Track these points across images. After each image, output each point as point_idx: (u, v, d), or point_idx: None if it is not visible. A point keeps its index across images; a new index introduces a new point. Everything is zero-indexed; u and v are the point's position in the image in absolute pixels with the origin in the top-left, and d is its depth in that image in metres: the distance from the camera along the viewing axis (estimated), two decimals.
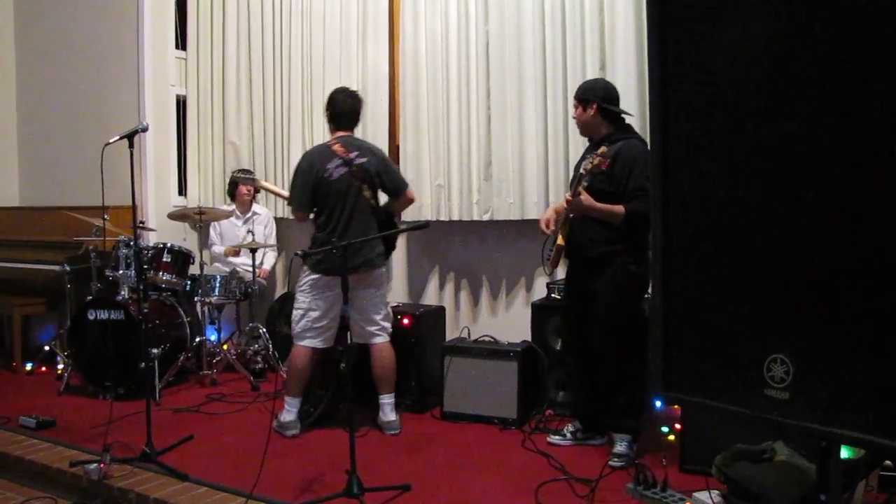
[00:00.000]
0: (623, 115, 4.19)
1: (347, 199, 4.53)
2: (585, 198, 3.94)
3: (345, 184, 4.53)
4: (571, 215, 4.07)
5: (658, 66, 1.56)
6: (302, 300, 4.63)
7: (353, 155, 4.56)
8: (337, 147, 4.60)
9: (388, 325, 4.75)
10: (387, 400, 4.66)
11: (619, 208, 3.94)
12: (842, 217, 1.32)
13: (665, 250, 1.59)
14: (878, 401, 1.28)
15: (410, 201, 4.88)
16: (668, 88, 1.56)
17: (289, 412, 4.62)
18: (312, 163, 4.61)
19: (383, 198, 4.80)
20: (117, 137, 4.18)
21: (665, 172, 1.58)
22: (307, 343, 4.59)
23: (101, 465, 3.82)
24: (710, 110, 1.51)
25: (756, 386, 1.43)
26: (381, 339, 4.71)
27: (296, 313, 4.64)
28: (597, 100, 4.10)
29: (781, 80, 1.40)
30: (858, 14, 1.29)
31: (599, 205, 3.94)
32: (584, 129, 4.25)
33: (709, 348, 1.52)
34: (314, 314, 4.57)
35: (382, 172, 4.64)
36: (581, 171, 4.00)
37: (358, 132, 5.88)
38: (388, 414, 4.65)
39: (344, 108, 4.71)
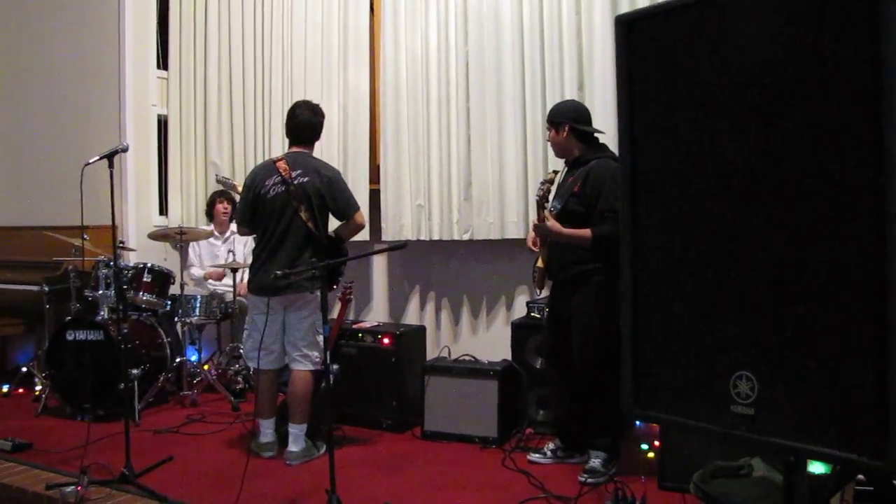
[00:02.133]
0: (596, 135, 4.24)
1: (282, 219, 4.44)
2: (552, 224, 4.01)
3: (280, 203, 4.45)
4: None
5: (626, 94, 1.60)
6: (247, 321, 4.68)
7: (294, 174, 4.44)
8: (281, 164, 4.50)
9: (312, 353, 4.53)
10: (292, 430, 4.48)
11: (586, 232, 3.98)
12: (804, 238, 1.36)
13: (633, 270, 1.62)
14: (840, 415, 1.31)
15: (359, 226, 4.65)
16: (636, 112, 1.60)
17: (263, 434, 4.61)
18: (255, 178, 4.59)
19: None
20: (97, 157, 4.18)
21: (634, 193, 1.61)
22: (259, 364, 4.57)
23: (79, 488, 3.79)
24: (677, 132, 1.55)
25: (723, 402, 1.46)
26: (299, 367, 4.53)
27: (244, 335, 4.67)
28: (568, 121, 4.15)
29: (744, 103, 1.44)
30: (820, 40, 1.34)
31: (566, 231, 4.00)
32: (558, 150, 4.30)
33: (677, 366, 1.55)
34: (256, 335, 4.53)
35: (326, 194, 4.47)
36: (536, 197, 4.09)
37: (339, 152, 5.98)
38: (290, 444, 4.47)
39: (299, 122, 4.58)
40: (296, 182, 4.43)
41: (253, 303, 4.64)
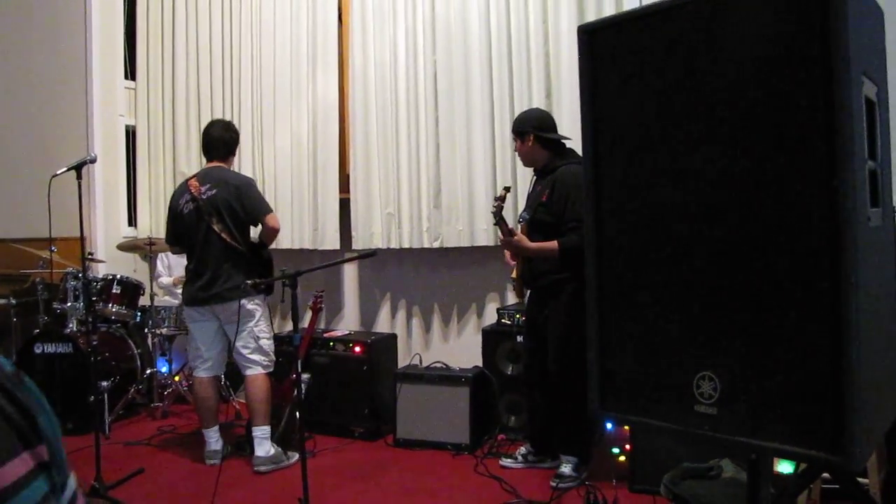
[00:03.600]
0: (563, 141, 4.28)
1: (198, 235, 4.55)
2: (518, 238, 4.07)
3: (193, 219, 4.56)
4: None
5: (589, 103, 1.63)
6: (189, 331, 4.79)
7: (203, 188, 4.55)
8: (192, 182, 4.64)
9: (258, 357, 4.59)
10: (256, 433, 4.53)
11: (553, 245, 4.02)
12: (762, 241, 1.40)
13: (598, 274, 1.66)
14: (799, 413, 1.35)
15: (273, 229, 4.61)
16: (599, 122, 1.63)
17: (207, 442, 4.66)
18: (174, 197, 4.76)
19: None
20: (65, 169, 4.16)
21: (598, 201, 1.65)
22: (195, 373, 4.73)
23: None
24: (640, 142, 1.59)
25: (687, 402, 1.49)
26: (250, 372, 4.59)
27: (188, 345, 4.78)
28: (532, 130, 4.19)
29: (704, 111, 1.48)
30: (781, 54, 1.38)
31: (533, 246, 4.06)
32: (526, 160, 4.35)
33: (642, 368, 1.59)
34: (193, 343, 4.72)
35: (235, 202, 4.53)
36: (491, 211, 4.16)
37: (309, 162, 5.98)
38: (256, 449, 4.52)
39: (211, 138, 4.72)
40: (205, 196, 4.53)
41: (188, 314, 4.75)
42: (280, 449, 4.57)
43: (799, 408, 1.34)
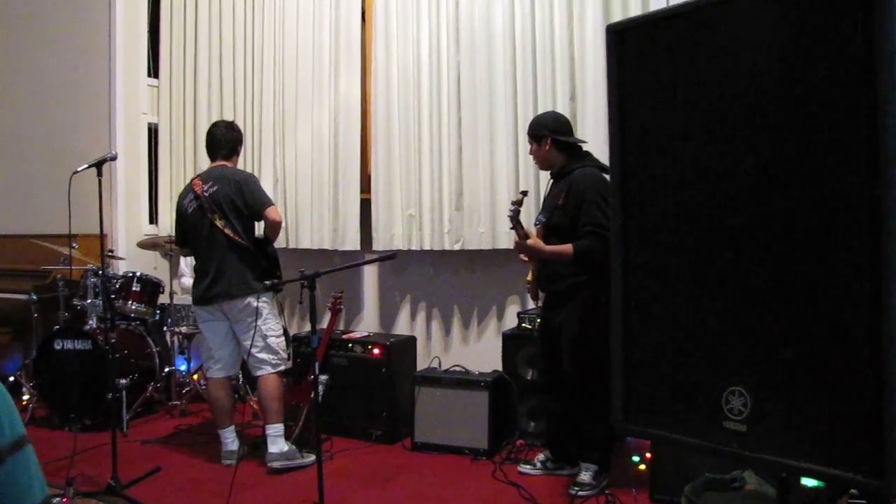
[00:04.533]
0: (580, 144, 4.23)
1: (202, 234, 4.55)
2: (533, 242, 4.02)
3: (196, 218, 4.57)
4: None
5: (617, 104, 1.58)
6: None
7: (205, 187, 4.56)
8: (195, 181, 4.66)
9: (269, 357, 4.56)
10: (269, 431, 4.50)
11: (568, 248, 3.95)
12: (801, 251, 1.34)
13: (624, 282, 1.60)
14: (836, 432, 1.29)
15: (275, 222, 4.59)
16: (627, 123, 1.58)
17: (224, 443, 4.64)
18: (180, 198, 4.77)
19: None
20: (86, 166, 4.16)
21: (625, 205, 1.59)
22: (208, 373, 4.72)
23: (64, 500, 3.74)
24: (669, 143, 1.53)
25: (715, 418, 1.44)
26: (261, 372, 4.56)
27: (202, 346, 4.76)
28: (549, 133, 4.14)
29: (739, 112, 1.42)
30: (815, 50, 1.32)
31: (547, 249, 4.01)
32: (542, 163, 4.30)
33: (668, 381, 1.53)
34: (205, 343, 4.72)
35: (236, 197, 4.52)
36: (508, 214, 4.10)
37: (330, 162, 5.96)
38: (270, 446, 4.49)
39: (213, 137, 4.72)
40: (206, 194, 4.53)
41: (197, 314, 4.77)
42: (295, 447, 4.54)
43: (835, 426, 1.28)
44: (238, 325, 4.55)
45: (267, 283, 3.85)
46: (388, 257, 4.04)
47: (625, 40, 1.55)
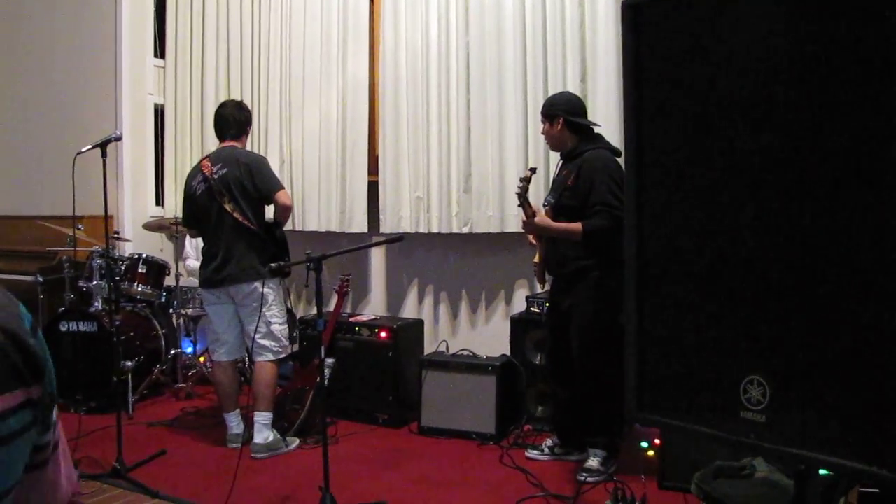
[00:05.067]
0: (592, 126, 4.18)
1: (211, 216, 4.50)
2: (540, 219, 4.00)
3: (205, 200, 4.50)
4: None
5: (633, 82, 1.52)
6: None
7: (214, 169, 4.49)
8: (204, 162, 4.59)
9: (270, 344, 4.50)
10: (258, 418, 4.44)
11: (577, 226, 3.91)
12: (822, 235, 1.29)
13: (639, 266, 1.55)
14: (859, 424, 1.24)
15: (285, 206, 4.54)
16: (643, 102, 1.52)
17: (229, 426, 4.61)
18: (188, 178, 4.70)
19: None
20: (89, 146, 4.13)
21: (640, 186, 1.54)
22: (214, 357, 4.69)
23: None
24: (686, 123, 1.47)
25: (732, 408, 1.38)
26: (260, 358, 4.50)
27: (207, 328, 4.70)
28: (562, 114, 4.09)
29: (760, 93, 1.36)
30: (838, 28, 1.26)
31: (555, 225, 3.98)
32: (553, 143, 4.26)
33: (684, 369, 1.48)
34: (211, 326, 4.68)
35: (246, 179, 4.45)
36: (515, 191, 4.07)
37: (338, 142, 5.91)
38: (255, 435, 4.44)
39: (221, 116, 4.66)
40: (216, 176, 4.46)
41: (203, 296, 4.74)
42: (279, 436, 4.51)
43: (859, 418, 1.22)
44: (243, 310, 4.51)
45: (273, 265, 3.78)
46: (394, 240, 3.99)
47: (640, 15, 1.49)
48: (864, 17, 1.23)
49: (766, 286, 1.34)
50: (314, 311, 4.22)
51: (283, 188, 4.59)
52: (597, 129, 4.19)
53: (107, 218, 4.24)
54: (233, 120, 4.63)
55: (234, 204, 4.44)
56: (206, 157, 4.65)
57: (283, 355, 4.61)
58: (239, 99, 6.29)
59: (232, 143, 4.62)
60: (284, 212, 4.59)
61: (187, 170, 6.69)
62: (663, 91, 1.51)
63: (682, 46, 1.47)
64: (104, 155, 4.10)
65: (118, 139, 4.24)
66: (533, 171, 4.22)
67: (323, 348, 3.70)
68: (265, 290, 4.44)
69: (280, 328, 4.57)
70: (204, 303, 4.76)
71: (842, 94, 1.26)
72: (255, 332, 4.42)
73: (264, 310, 4.44)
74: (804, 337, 1.29)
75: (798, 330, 1.30)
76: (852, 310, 1.24)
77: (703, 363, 1.44)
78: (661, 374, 1.52)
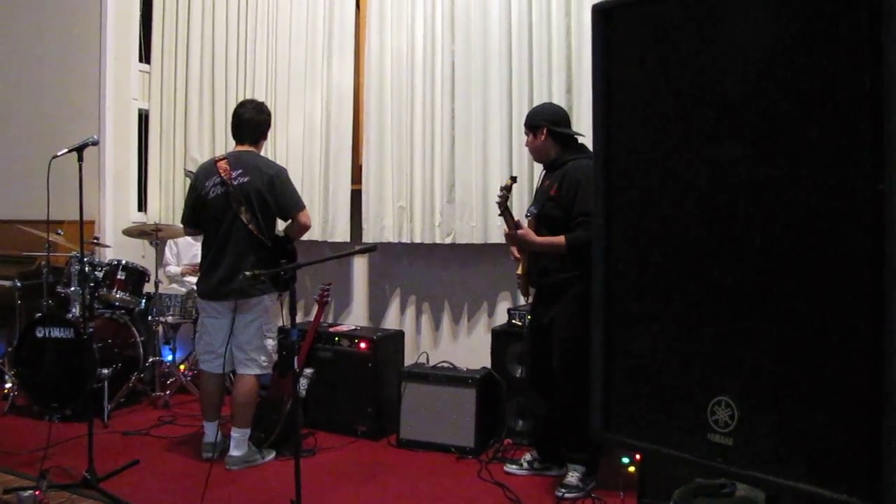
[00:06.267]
0: (576, 136, 4.14)
1: (222, 223, 4.33)
2: (524, 232, 3.95)
3: (220, 205, 4.33)
4: None
5: (602, 90, 1.48)
6: (199, 323, 4.62)
7: (235, 174, 4.31)
8: (221, 164, 4.37)
9: (259, 358, 4.41)
10: (235, 434, 4.36)
11: (560, 239, 3.87)
12: (795, 252, 1.24)
13: (606, 282, 1.50)
14: (828, 450, 1.19)
15: (304, 227, 4.45)
16: (613, 111, 1.48)
17: (206, 435, 4.51)
18: (198, 177, 4.49)
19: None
20: (65, 150, 4.07)
21: (608, 201, 1.49)
22: (203, 367, 4.55)
23: (37, 493, 3.64)
24: (657, 134, 1.43)
25: (700, 430, 1.33)
26: (245, 371, 4.40)
27: (196, 336, 4.64)
28: (546, 124, 4.05)
29: (729, 98, 1.32)
30: (817, 37, 1.22)
31: (539, 239, 3.94)
32: (537, 154, 4.20)
33: (651, 388, 1.43)
34: (206, 337, 4.51)
35: (267, 193, 4.33)
36: (496, 200, 4.02)
37: (321, 150, 5.86)
38: (231, 449, 4.36)
39: (242, 120, 4.48)
40: (235, 183, 4.30)
41: (202, 306, 4.59)
42: (254, 448, 4.44)
43: (828, 442, 1.17)
44: (240, 319, 4.34)
45: (248, 273, 3.68)
46: (367, 250, 3.90)
47: (612, 21, 1.44)
48: (853, 27, 1.18)
49: (734, 305, 1.30)
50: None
51: (304, 208, 4.48)
52: (580, 140, 4.15)
53: (82, 223, 4.16)
54: (252, 122, 4.48)
55: (250, 215, 4.29)
56: (222, 158, 4.43)
57: (267, 371, 4.51)
58: (223, 105, 6.27)
59: (251, 149, 4.48)
60: (302, 231, 4.49)
61: (171, 175, 6.69)
62: (635, 96, 1.46)
63: (655, 51, 1.43)
64: (80, 159, 4.03)
65: (95, 143, 4.15)
66: (514, 179, 4.17)
67: (296, 360, 3.61)
68: (268, 302, 4.38)
69: (273, 343, 4.49)
70: (202, 313, 4.59)
71: (820, 104, 1.22)
72: (249, 341, 4.36)
73: (261, 322, 4.38)
74: (772, 359, 1.25)
75: (766, 351, 1.25)
76: (821, 332, 1.19)
77: (670, 382, 1.39)
78: (627, 392, 1.47)
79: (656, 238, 1.42)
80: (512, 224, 3.98)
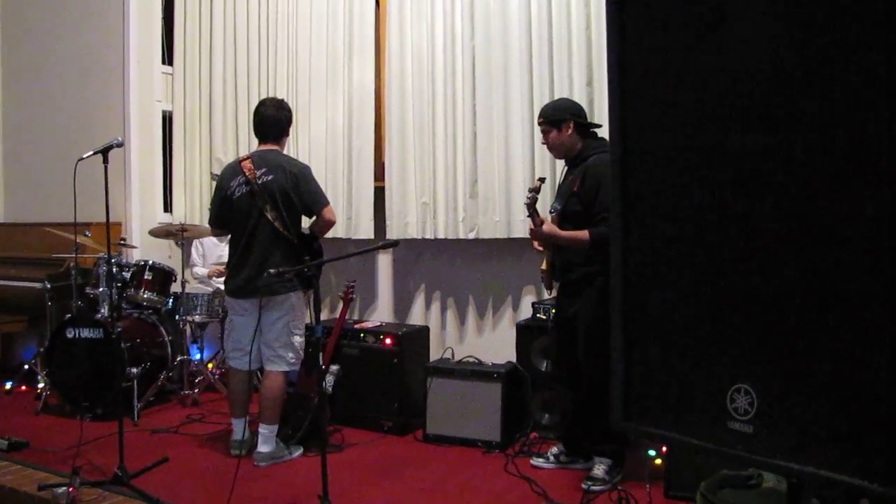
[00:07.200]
0: (596, 128, 4.14)
1: (248, 222, 4.36)
2: (547, 227, 3.95)
3: (245, 204, 4.37)
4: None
5: (617, 81, 1.47)
6: (227, 321, 4.64)
7: (259, 173, 4.34)
8: (246, 163, 4.41)
9: (287, 354, 4.45)
10: (262, 430, 4.40)
11: (584, 234, 3.87)
12: (816, 240, 1.23)
13: (625, 272, 1.50)
14: (849, 435, 1.19)
15: (329, 222, 4.48)
16: (628, 102, 1.47)
17: (235, 432, 4.55)
18: (223, 177, 4.54)
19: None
20: (90, 153, 4.12)
21: (625, 191, 1.49)
22: (232, 364, 4.59)
23: (70, 489, 3.70)
24: (674, 125, 1.42)
25: (720, 418, 1.33)
26: (273, 367, 4.45)
27: (225, 334, 4.61)
28: (571, 118, 4.04)
29: (754, 89, 1.31)
30: (836, 30, 1.21)
31: (563, 233, 3.93)
32: (561, 150, 4.17)
33: (671, 376, 1.43)
34: (234, 335, 4.56)
35: (291, 190, 4.36)
36: (525, 202, 4.02)
37: (344, 149, 5.88)
38: (259, 445, 4.39)
39: (263, 118, 4.51)
40: (260, 181, 4.34)
41: (230, 304, 4.63)
42: (282, 444, 4.48)
43: (849, 429, 1.17)
44: (266, 316, 4.33)
45: (272, 271, 3.70)
46: (389, 245, 3.91)
47: (627, 10, 1.44)
48: (864, 24, 1.18)
49: (754, 289, 1.29)
50: (322, 316, 4.18)
51: (328, 204, 4.51)
52: (600, 132, 4.14)
53: (108, 224, 4.20)
54: (274, 121, 4.51)
55: (276, 213, 4.33)
56: (246, 158, 4.47)
57: (295, 368, 4.55)
58: (245, 105, 6.30)
59: (274, 147, 4.52)
60: (327, 227, 4.51)
61: (196, 176, 6.75)
62: (651, 88, 1.46)
63: (671, 42, 1.42)
64: (106, 161, 4.07)
65: (119, 145, 4.19)
66: (542, 180, 4.16)
67: (320, 356, 3.64)
68: (295, 299, 4.42)
69: (300, 340, 4.52)
70: (230, 311, 4.65)
71: (840, 99, 1.21)
72: (277, 339, 4.40)
73: (289, 318, 4.42)
74: (791, 345, 1.24)
75: (785, 337, 1.25)
76: (841, 318, 1.19)
77: (689, 371, 1.39)
78: (647, 381, 1.47)
79: (677, 226, 1.41)
80: (538, 222, 3.97)
